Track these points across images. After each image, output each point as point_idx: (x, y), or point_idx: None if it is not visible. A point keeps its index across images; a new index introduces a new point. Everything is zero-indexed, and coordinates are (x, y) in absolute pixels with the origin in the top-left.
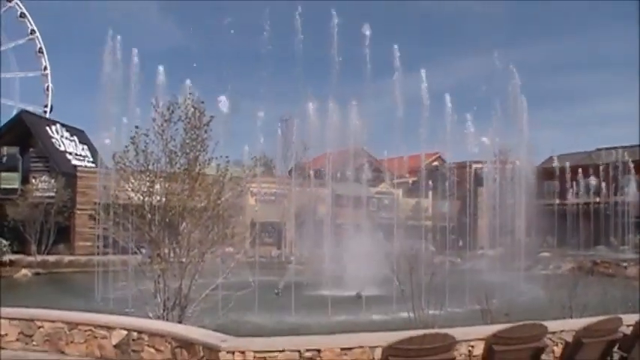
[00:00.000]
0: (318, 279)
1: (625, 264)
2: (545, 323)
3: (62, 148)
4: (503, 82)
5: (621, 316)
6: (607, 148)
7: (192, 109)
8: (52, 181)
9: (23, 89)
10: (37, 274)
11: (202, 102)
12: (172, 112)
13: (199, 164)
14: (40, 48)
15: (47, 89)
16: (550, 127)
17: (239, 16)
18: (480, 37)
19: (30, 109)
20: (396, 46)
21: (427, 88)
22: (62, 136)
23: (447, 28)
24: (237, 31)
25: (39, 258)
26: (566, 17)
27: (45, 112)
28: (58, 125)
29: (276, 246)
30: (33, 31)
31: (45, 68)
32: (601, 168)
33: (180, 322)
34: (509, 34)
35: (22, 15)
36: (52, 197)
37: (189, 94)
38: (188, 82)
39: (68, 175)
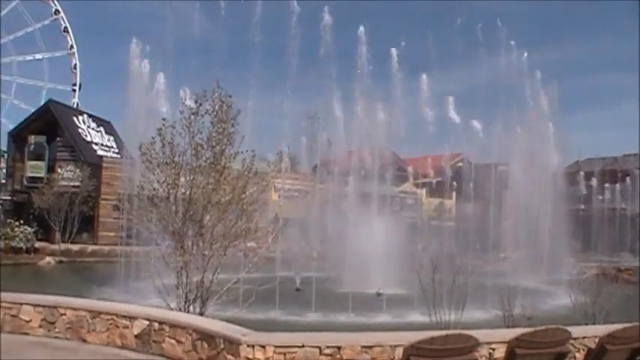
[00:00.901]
0: (339, 276)
1: None
2: (568, 328)
3: (88, 139)
4: (531, 84)
5: None
6: (634, 154)
7: (220, 103)
8: (78, 170)
9: (51, 69)
10: (61, 262)
11: (230, 96)
12: (200, 105)
13: (225, 158)
14: (65, 27)
15: (75, 67)
16: (577, 130)
17: (268, 11)
18: (508, 37)
19: (59, 87)
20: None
21: (452, 88)
22: (89, 127)
23: (474, 28)
24: (266, 26)
25: (63, 246)
26: (595, 18)
27: (74, 90)
28: (85, 115)
29: (298, 242)
30: (57, 11)
31: (71, 47)
32: (628, 173)
33: (201, 315)
34: (537, 35)
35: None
36: (77, 187)
37: (217, 87)
38: (216, 75)
39: (94, 165)
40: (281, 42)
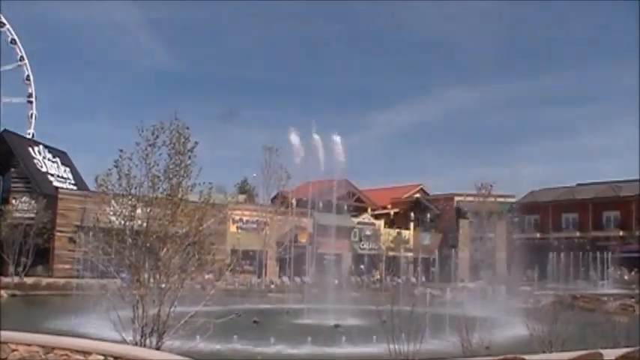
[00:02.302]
0: (297, 308)
1: (604, 299)
2: (525, 357)
3: (44, 170)
4: (487, 116)
5: (601, 351)
6: (587, 184)
7: (177, 135)
8: (33, 202)
9: (7, 114)
10: (14, 295)
11: (187, 128)
12: (157, 136)
13: (182, 190)
14: (28, 75)
15: (31, 117)
16: (531, 161)
17: (226, 43)
18: (466, 72)
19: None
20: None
21: (410, 120)
22: (44, 158)
23: (435, 62)
24: (224, 57)
25: (16, 279)
26: (549, 54)
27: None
28: (40, 146)
29: (256, 274)
30: (22, 58)
31: (30, 95)
32: (581, 203)
33: (158, 349)
34: (493, 70)
35: (13, 41)
36: (31, 218)
37: (175, 119)
38: (173, 107)
39: (49, 196)
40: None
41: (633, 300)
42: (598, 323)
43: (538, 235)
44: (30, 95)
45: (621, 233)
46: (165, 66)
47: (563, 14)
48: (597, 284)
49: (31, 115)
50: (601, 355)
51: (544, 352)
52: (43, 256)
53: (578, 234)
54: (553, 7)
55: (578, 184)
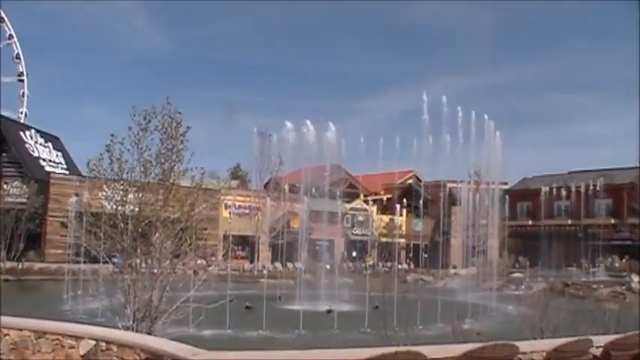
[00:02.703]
0: (290, 293)
1: (595, 286)
2: (516, 343)
3: (36, 154)
4: (480, 103)
5: (591, 337)
6: (579, 171)
7: (169, 119)
8: (25, 187)
9: None
10: (6, 280)
11: (179, 112)
12: (149, 121)
13: (174, 175)
14: (18, 54)
15: (22, 95)
16: (524, 148)
17: (220, 27)
18: (460, 58)
19: (5, 114)
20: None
21: (405, 106)
22: (36, 142)
23: (429, 48)
24: (219, 42)
25: (8, 264)
26: (542, 41)
27: (19, 118)
28: (32, 131)
29: (249, 259)
30: (11, 36)
31: (21, 74)
32: (573, 191)
33: (149, 334)
34: (488, 55)
35: (1, 19)
36: (23, 203)
37: (167, 103)
38: (167, 92)
39: (41, 181)
40: (235, 59)
41: (624, 287)
42: (589, 310)
43: (530, 222)
44: (20, 74)
45: (613, 221)
46: (160, 50)
47: (558, 2)
48: (589, 272)
49: (23, 94)
50: (591, 341)
51: (535, 338)
52: (34, 242)
53: (569, 221)
54: None
55: (570, 172)
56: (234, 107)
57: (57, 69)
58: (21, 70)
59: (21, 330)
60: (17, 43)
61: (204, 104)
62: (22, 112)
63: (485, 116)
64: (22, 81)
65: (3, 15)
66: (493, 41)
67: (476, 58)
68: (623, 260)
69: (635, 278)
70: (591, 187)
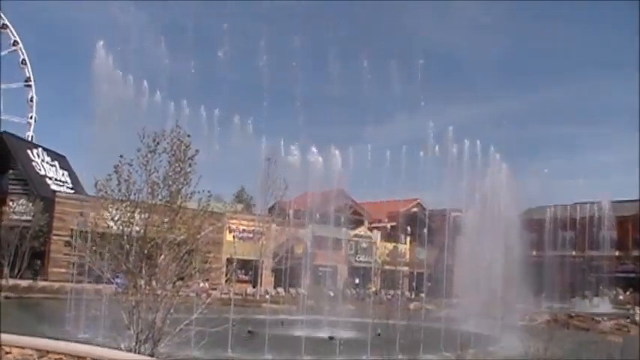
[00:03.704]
0: (292, 319)
1: (599, 318)
2: None
3: (42, 173)
4: (485, 131)
5: None
6: (585, 203)
7: (178, 142)
8: (30, 204)
9: (6, 100)
10: (8, 297)
11: (189, 135)
12: (158, 143)
13: (181, 197)
14: (24, 59)
15: (31, 100)
16: (530, 177)
17: (229, 50)
18: (466, 87)
19: (15, 120)
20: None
21: (410, 135)
22: (43, 161)
23: (436, 75)
24: (226, 64)
25: (11, 282)
26: (548, 70)
27: (29, 123)
28: (39, 149)
29: (252, 284)
30: (16, 42)
31: (28, 79)
32: (578, 222)
33: (152, 356)
34: (495, 84)
35: (4, 26)
36: (28, 221)
37: (176, 126)
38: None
39: (47, 199)
40: (240, 83)
41: (628, 320)
42: (592, 342)
43: (534, 252)
44: (28, 79)
45: (617, 253)
46: (168, 71)
47: (562, 31)
48: (592, 303)
49: (31, 98)
50: None
51: None
52: (38, 259)
53: (574, 253)
54: (552, 24)
55: (576, 203)
56: (240, 131)
57: (63, 86)
58: (28, 75)
59: (23, 348)
60: (22, 49)
61: (211, 125)
62: (31, 117)
63: (492, 148)
64: (30, 86)
65: (7, 22)
66: (499, 70)
67: (481, 87)
68: (627, 293)
69: (639, 311)
70: (596, 218)
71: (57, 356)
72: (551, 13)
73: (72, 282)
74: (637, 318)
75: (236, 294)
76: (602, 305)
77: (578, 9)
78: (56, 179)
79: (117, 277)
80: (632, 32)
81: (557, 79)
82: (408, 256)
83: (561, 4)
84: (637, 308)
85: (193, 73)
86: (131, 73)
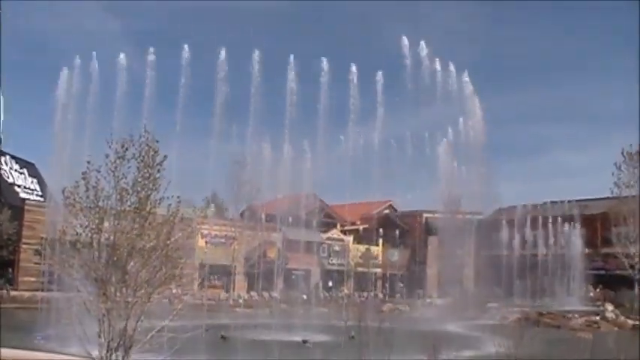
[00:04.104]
0: (265, 323)
1: (570, 316)
2: None
3: (11, 180)
4: (456, 132)
5: None
6: (554, 202)
7: (147, 148)
8: None
9: None
10: None
11: (157, 141)
12: (126, 149)
13: (150, 203)
14: None
15: None
16: (500, 178)
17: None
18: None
19: None
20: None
21: (382, 135)
22: (11, 168)
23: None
24: (194, 68)
25: None
26: (522, 72)
27: None
28: (7, 157)
29: (224, 289)
30: None
31: None
32: (548, 220)
33: None
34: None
35: None
36: None
37: (144, 131)
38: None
39: (15, 207)
40: (209, 87)
41: (598, 317)
42: (563, 340)
43: (505, 252)
44: None
45: (587, 251)
46: (137, 75)
47: (536, 35)
48: (563, 301)
49: None
50: None
51: None
52: (7, 269)
53: (544, 251)
54: (528, 26)
55: (545, 202)
56: (210, 134)
57: (32, 95)
58: None
59: None
60: None
61: (179, 130)
62: None
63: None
64: None
65: None
66: (472, 70)
67: (454, 87)
68: (597, 290)
69: (609, 307)
70: (565, 217)
71: None
72: (525, 17)
73: (43, 291)
74: (607, 314)
75: (209, 299)
76: (572, 302)
77: (552, 12)
78: (25, 187)
79: (88, 284)
80: (605, 36)
81: (529, 81)
82: (380, 257)
83: (534, 5)
84: (607, 305)
85: (163, 76)
86: (99, 79)
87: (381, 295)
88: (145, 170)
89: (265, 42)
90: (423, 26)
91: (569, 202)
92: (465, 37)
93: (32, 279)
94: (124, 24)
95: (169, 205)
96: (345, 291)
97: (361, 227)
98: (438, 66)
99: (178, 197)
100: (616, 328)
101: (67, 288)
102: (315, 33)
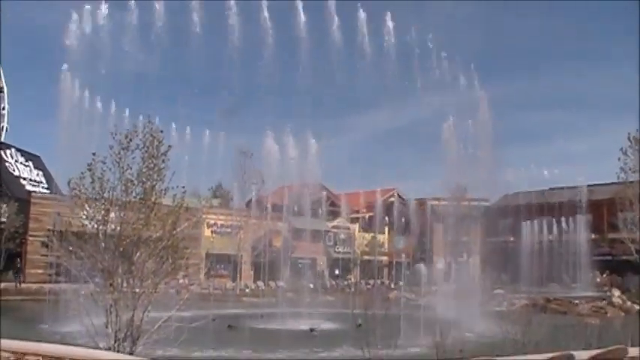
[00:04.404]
0: (272, 312)
1: (577, 301)
2: (498, 359)
3: (16, 173)
4: (462, 120)
5: (573, 352)
6: (560, 188)
7: (151, 138)
8: (4, 206)
9: None
10: None
11: (161, 131)
12: (130, 140)
13: (155, 194)
14: None
15: (2, 109)
16: (505, 165)
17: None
18: (444, 76)
19: None
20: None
21: (388, 124)
22: (17, 161)
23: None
24: (200, 59)
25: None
26: (526, 59)
27: None
28: (13, 150)
29: (231, 278)
30: None
31: (0, 89)
32: (554, 206)
33: (131, 354)
34: (470, 73)
35: None
36: (3, 222)
37: (148, 122)
38: (147, 110)
39: (21, 200)
40: (216, 77)
41: (605, 302)
42: (570, 325)
43: (512, 238)
44: (0, 89)
45: (593, 236)
46: (141, 67)
47: (540, 20)
48: (570, 287)
49: (3, 107)
50: (573, 356)
51: (517, 354)
52: (14, 261)
53: (551, 237)
54: (530, 13)
55: (551, 189)
56: (216, 124)
57: (37, 86)
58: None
59: None
60: None
61: (184, 121)
62: (2, 128)
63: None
64: (1, 97)
65: None
66: (476, 58)
67: (458, 76)
68: (604, 275)
69: (616, 293)
70: (571, 202)
71: (35, 357)
72: (525, 7)
73: (50, 283)
74: (614, 300)
75: (215, 289)
76: (579, 288)
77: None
78: (31, 179)
79: (95, 276)
80: (606, 23)
81: (532, 67)
82: (386, 245)
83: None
84: (614, 290)
85: (166, 68)
86: (100, 74)
87: (387, 283)
88: (150, 161)
89: (274, 30)
90: (427, 15)
91: (575, 187)
92: (467, 25)
93: (39, 271)
94: (122, 16)
95: (175, 195)
96: (352, 279)
97: (367, 215)
98: (444, 53)
99: (183, 187)
100: (623, 314)
101: (75, 279)
102: (318, 19)
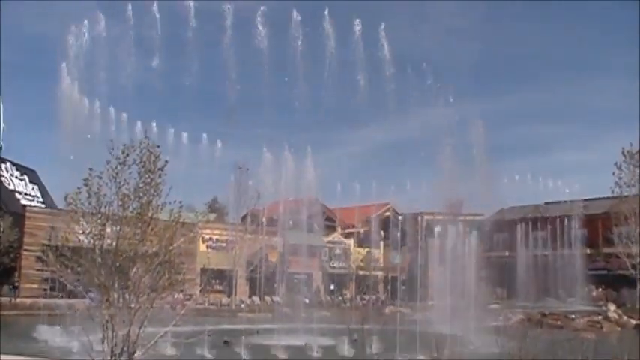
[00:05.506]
0: (268, 327)
1: (573, 316)
2: None
3: (11, 187)
4: (457, 135)
5: None
6: (555, 202)
7: (148, 153)
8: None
9: None
10: None
11: (158, 146)
12: (127, 155)
13: (152, 209)
14: None
15: None
16: (501, 178)
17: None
18: (438, 89)
19: None
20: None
21: (384, 139)
22: (12, 175)
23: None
24: (196, 74)
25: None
26: (521, 73)
27: None
28: (8, 164)
29: (226, 293)
30: None
31: None
32: (549, 221)
33: None
34: (466, 86)
35: None
36: None
37: (145, 137)
38: (143, 125)
39: (16, 214)
40: (211, 90)
41: (600, 317)
42: (566, 340)
43: (507, 253)
44: None
45: (588, 251)
46: (139, 80)
47: (536, 35)
48: (566, 301)
49: None
50: None
51: None
52: (9, 276)
53: (546, 252)
54: (526, 28)
55: (546, 203)
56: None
57: (32, 100)
58: None
59: None
60: None
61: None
62: None
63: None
64: None
65: None
66: (472, 73)
67: (456, 91)
68: (600, 289)
69: (612, 307)
70: (566, 217)
71: None
72: (525, 15)
73: (45, 297)
74: (609, 314)
75: (211, 304)
76: (575, 303)
77: (551, 12)
78: (26, 194)
79: (90, 291)
80: (605, 34)
81: (530, 81)
82: (381, 260)
83: (533, 5)
84: (610, 304)
85: (163, 82)
86: (97, 85)
87: (383, 298)
88: (147, 176)
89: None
90: (425, 28)
91: (570, 202)
92: (464, 35)
93: (34, 286)
94: (118, 27)
95: (171, 210)
96: (347, 294)
97: (362, 230)
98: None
99: (180, 202)
100: (619, 328)
101: (70, 294)
102: (314, 30)
